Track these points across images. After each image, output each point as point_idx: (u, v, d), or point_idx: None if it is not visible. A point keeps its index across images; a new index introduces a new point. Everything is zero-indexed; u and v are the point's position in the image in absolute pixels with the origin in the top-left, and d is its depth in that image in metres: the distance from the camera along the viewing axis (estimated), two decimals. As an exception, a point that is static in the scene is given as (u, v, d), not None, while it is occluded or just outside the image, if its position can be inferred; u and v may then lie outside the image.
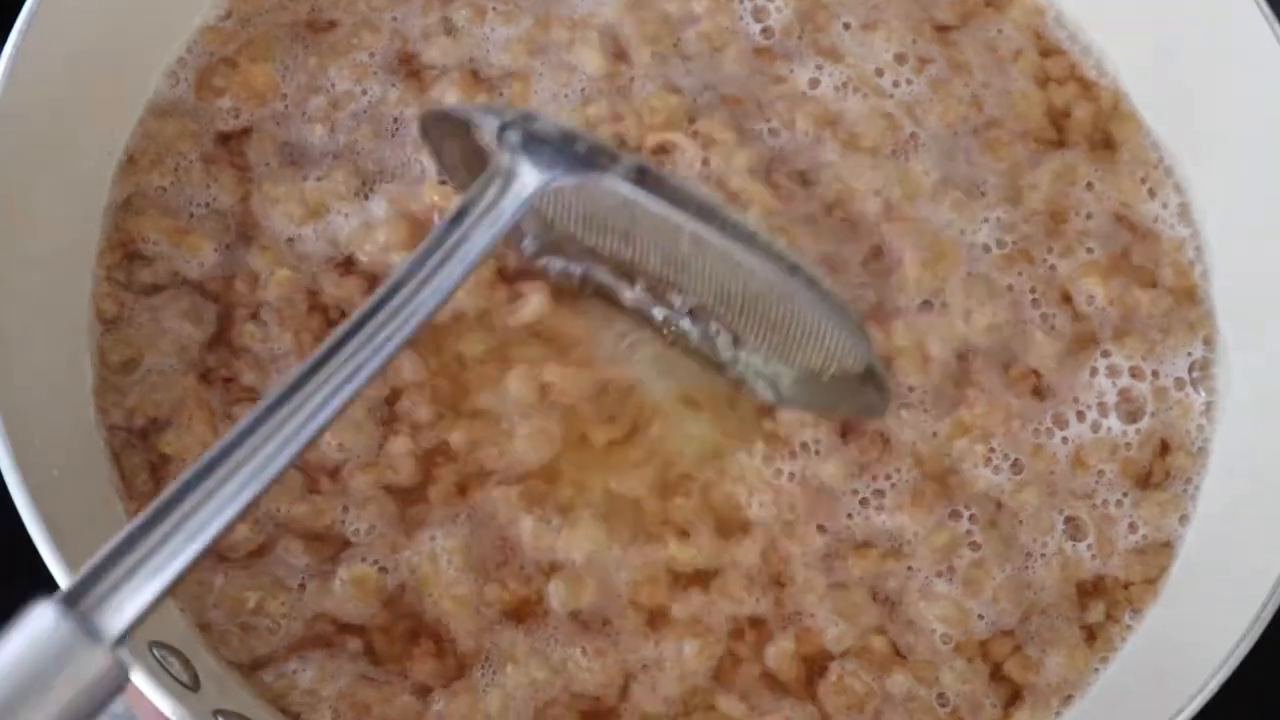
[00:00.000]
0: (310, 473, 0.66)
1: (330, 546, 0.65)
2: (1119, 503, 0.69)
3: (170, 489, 0.48)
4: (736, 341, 0.67)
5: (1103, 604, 0.67)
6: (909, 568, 0.66)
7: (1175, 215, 0.74)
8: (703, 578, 0.66)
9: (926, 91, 0.75)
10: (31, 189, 0.65)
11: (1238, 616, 0.61)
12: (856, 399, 0.65)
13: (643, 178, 0.57)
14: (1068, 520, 0.68)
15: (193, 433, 0.66)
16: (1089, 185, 0.74)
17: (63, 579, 0.56)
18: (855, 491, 0.68)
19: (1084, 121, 0.76)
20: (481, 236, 0.56)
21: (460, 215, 0.57)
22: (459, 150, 0.66)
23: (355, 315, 0.53)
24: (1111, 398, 0.70)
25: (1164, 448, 0.70)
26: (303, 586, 0.64)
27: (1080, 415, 0.70)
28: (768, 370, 0.68)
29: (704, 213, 0.58)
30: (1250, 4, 0.70)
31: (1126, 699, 0.64)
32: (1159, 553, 0.68)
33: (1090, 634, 0.67)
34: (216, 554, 0.64)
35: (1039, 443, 0.69)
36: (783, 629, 0.65)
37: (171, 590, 0.47)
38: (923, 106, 0.74)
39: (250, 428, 0.50)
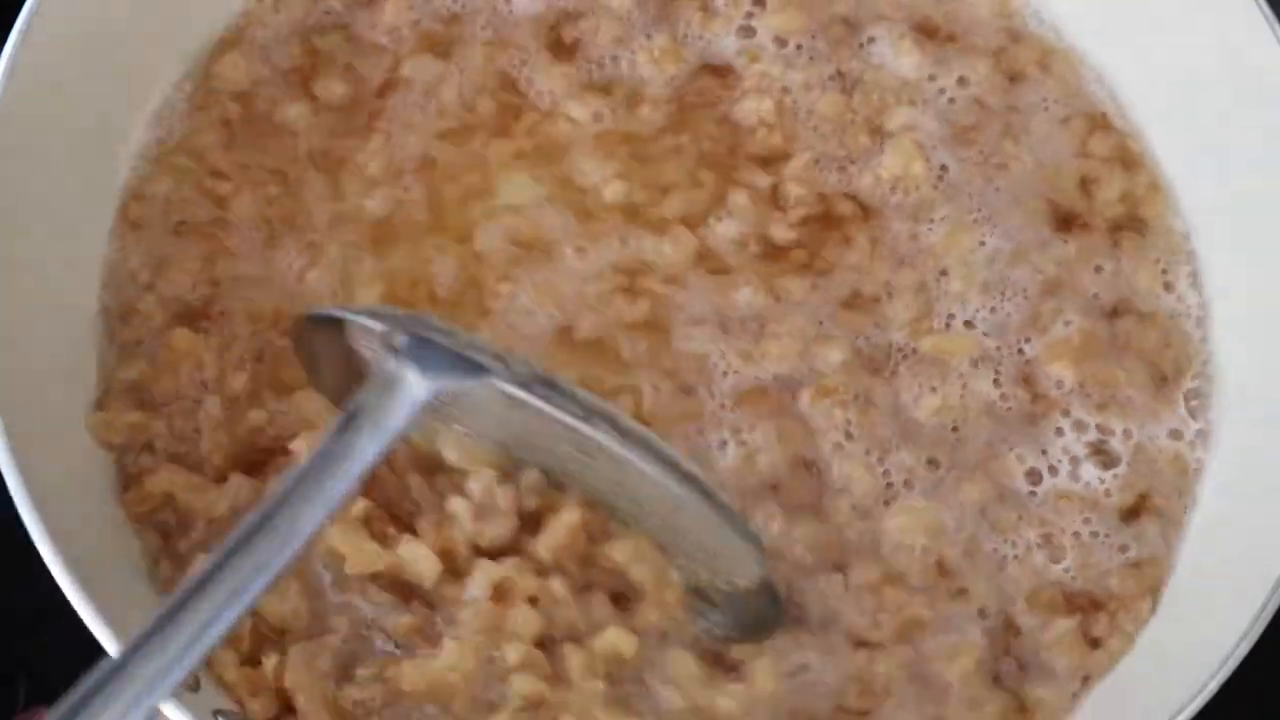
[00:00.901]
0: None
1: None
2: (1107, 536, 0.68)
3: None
4: None
5: (1104, 607, 0.67)
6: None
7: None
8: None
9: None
10: (33, 186, 0.65)
11: (1238, 616, 0.60)
12: (747, 617, 0.62)
13: (533, 382, 0.56)
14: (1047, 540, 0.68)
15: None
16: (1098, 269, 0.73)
17: (62, 578, 0.56)
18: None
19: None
20: (367, 448, 0.55)
21: (347, 423, 0.55)
22: (331, 358, 0.63)
23: (233, 534, 0.53)
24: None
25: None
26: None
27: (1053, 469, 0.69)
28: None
29: (596, 416, 0.57)
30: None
31: (1127, 699, 0.64)
32: (1157, 558, 0.68)
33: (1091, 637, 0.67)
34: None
35: None
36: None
37: None
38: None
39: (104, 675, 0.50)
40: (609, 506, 0.62)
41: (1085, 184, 0.75)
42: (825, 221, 0.73)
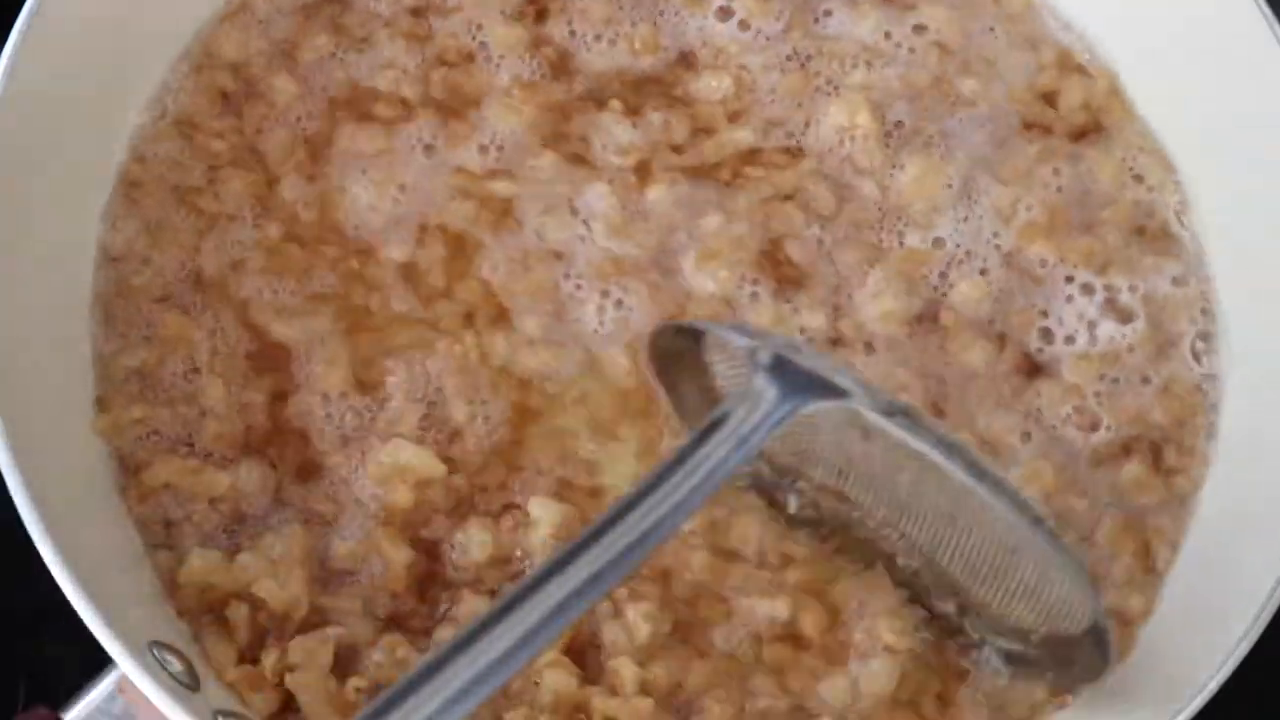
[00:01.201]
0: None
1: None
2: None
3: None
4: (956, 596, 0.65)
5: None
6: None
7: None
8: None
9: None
10: (32, 186, 0.65)
11: (1238, 616, 0.61)
12: (1067, 663, 0.62)
13: (894, 411, 0.57)
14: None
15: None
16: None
17: (62, 578, 0.56)
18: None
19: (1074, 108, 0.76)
20: (729, 456, 0.55)
21: (709, 432, 0.56)
22: (684, 370, 0.66)
23: (586, 531, 0.53)
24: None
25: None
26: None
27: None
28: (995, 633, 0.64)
29: (951, 448, 0.57)
30: (1250, 3, 0.70)
31: (1126, 699, 0.64)
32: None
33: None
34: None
35: None
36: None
37: None
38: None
39: (466, 640, 0.50)
40: (933, 545, 0.63)
41: (1047, 97, 0.76)
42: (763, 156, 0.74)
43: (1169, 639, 0.65)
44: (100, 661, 0.57)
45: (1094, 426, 0.70)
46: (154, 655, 0.58)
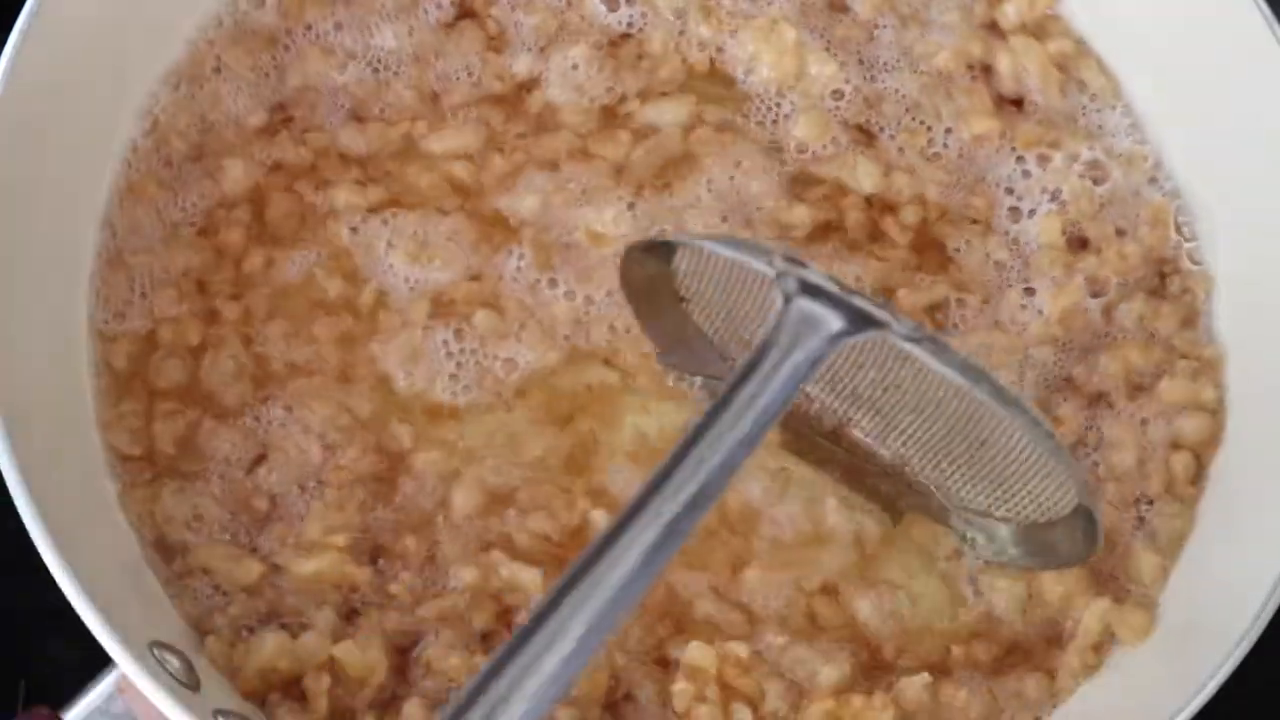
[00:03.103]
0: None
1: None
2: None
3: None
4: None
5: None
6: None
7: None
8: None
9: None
10: (31, 187, 0.65)
11: (1238, 616, 0.61)
12: (1055, 548, 0.64)
13: (922, 338, 0.57)
14: None
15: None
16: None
17: (62, 579, 0.56)
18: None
19: None
20: (780, 390, 0.55)
21: (755, 364, 0.55)
22: (653, 289, 0.66)
23: (654, 471, 0.52)
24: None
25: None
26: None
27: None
28: (982, 526, 0.66)
29: (975, 373, 0.58)
30: (1250, 4, 0.70)
31: (1126, 699, 0.64)
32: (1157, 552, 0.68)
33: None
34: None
35: None
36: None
37: None
38: None
39: (542, 612, 0.49)
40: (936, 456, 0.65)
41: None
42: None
43: (1170, 639, 0.65)
44: (100, 661, 0.57)
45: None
46: (154, 655, 0.58)
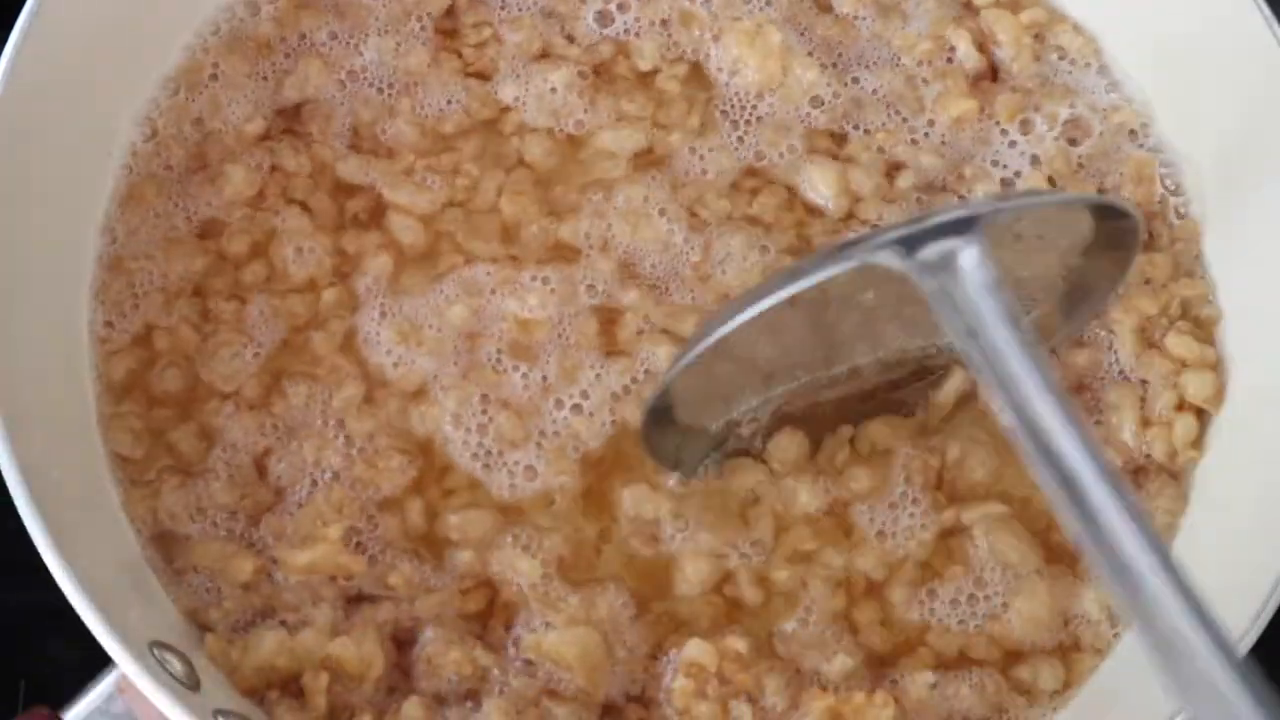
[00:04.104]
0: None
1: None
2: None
3: None
4: None
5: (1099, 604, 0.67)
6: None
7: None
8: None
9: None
10: (32, 188, 0.65)
11: (1238, 616, 0.60)
12: (1102, 258, 0.66)
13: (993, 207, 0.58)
14: None
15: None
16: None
17: (62, 579, 0.56)
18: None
19: None
20: (994, 309, 0.54)
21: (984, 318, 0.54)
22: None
23: None
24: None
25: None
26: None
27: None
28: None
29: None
30: (1250, 3, 0.70)
31: (1126, 699, 0.64)
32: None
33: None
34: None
35: None
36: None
37: None
38: None
39: None
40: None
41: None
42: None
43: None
44: (100, 661, 0.57)
45: None
46: (154, 655, 0.58)
